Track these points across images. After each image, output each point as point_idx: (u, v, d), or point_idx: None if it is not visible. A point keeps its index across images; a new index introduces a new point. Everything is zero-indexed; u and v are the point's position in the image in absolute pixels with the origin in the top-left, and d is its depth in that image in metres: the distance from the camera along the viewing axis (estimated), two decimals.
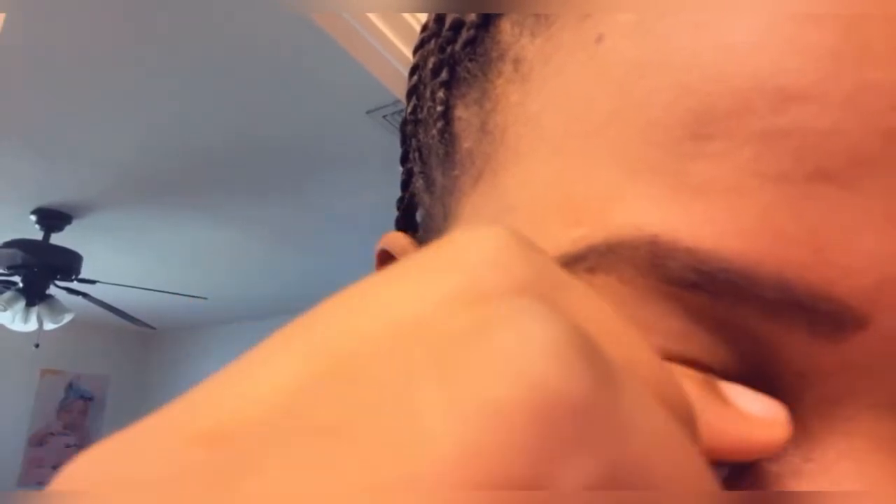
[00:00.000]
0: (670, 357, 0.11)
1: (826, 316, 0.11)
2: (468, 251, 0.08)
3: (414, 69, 0.20)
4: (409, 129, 0.21)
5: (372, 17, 1.04)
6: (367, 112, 1.72)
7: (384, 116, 1.74)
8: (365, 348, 0.07)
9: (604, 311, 0.08)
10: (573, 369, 0.06)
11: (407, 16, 1.07)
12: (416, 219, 0.21)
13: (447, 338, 0.06)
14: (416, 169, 0.20)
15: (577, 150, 0.13)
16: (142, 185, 2.18)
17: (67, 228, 2.40)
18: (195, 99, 1.65)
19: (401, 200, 0.22)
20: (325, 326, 0.07)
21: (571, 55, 0.13)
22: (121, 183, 2.16)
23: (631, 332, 0.08)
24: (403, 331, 0.07)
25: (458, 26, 0.17)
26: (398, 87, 1.16)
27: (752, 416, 0.10)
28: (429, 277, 0.07)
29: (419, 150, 0.20)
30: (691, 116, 0.11)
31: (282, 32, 1.37)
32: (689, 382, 0.10)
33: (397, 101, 1.60)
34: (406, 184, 0.22)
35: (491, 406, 0.06)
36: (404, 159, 0.22)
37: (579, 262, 0.12)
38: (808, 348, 0.11)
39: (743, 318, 0.11)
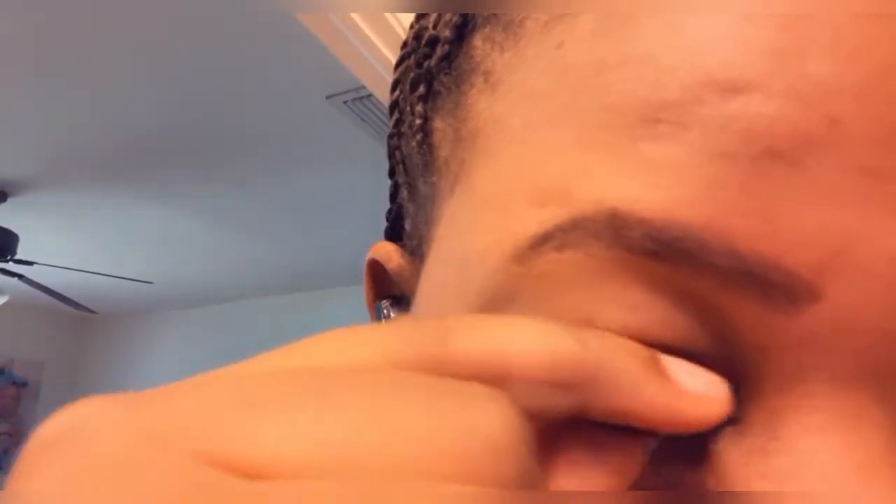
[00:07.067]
0: (634, 335, 0.12)
1: (778, 287, 0.11)
2: (80, 422, 0.09)
3: (395, 84, 0.21)
4: (394, 143, 0.22)
5: None
6: (327, 97, 1.69)
7: (345, 102, 1.71)
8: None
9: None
10: None
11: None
12: (405, 228, 0.22)
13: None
14: (402, 180, 0.21)
15: (539, 140, 0.13)
16: (82, 163, 2.08)
17: (2, 206, 2.28)
18: (138, 75, 1.59)
19: (389, 211, 0.23)
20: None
21: (534, 63, 0.14)
22: (60, 160, 2.06)
23: None
24: None
25: (433, 42, 0.18)
26: (361, 73, 1.14)
27: (690, 391, 0.11)
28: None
29: (403, 161, 0.20)
30: (643, 103, 0.12)
31: (239, 6, 1.33)
32: (633, 359, 0.11)
33: (360, 87, 1.57)
34: (394, 195, 0.23)
35: None
36: (392, 172, 0.22)
37: (548, 241, 0.12)
38: (763, 320, 0.11)
39: (701, 289, 0.12)
